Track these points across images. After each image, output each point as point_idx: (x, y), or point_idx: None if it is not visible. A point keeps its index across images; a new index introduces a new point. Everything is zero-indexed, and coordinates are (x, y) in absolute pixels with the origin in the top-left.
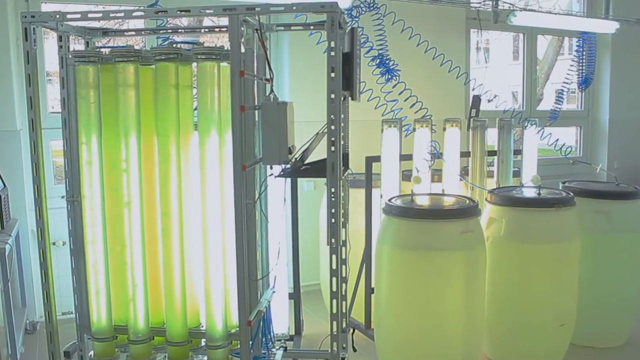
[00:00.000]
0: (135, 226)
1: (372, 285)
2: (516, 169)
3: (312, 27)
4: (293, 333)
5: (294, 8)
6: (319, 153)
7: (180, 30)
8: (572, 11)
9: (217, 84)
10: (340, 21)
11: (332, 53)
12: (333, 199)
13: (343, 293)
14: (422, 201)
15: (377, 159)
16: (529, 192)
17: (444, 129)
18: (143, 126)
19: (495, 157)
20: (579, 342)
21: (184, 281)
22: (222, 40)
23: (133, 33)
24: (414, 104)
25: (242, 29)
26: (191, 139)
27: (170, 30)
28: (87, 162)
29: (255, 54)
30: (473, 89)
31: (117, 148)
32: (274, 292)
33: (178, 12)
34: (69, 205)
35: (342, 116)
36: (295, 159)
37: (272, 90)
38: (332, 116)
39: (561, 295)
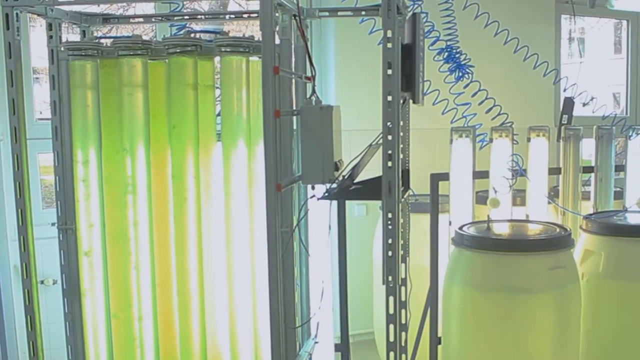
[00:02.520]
0: (144, 260)
1: (439, 335)
2: (618, 188)
3: (363, 13)
4: None
5: None
6: (373, 170)
7: (199, 17)
8: None
9: (246, 84)
10: (399, 5)
11: (389, 45)
12: (390, 227)
13: (402, 344)
14: (501, 229)
15: (445, 176)
16: (635, 218)
17: (529, 140)
18: (153, 136)
19: (592, 175)
20: None
21: (204, 329)
22: (252, 29)
23: (141, 20)
24: (490, 109)
25: (277, 14)
26: (213, 151)
27: (187, 17)
28: (83, 180)
29: (293, 46)
30: (564, 90)
31: (121, 163)
32: (316, 342)
33: None
34: (61, 235)
35: (402, 123)
36: (343, 176)
37: (314, 91)
38: (388, 123)
39: None
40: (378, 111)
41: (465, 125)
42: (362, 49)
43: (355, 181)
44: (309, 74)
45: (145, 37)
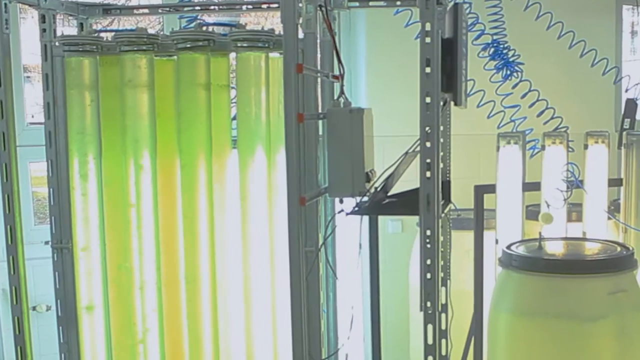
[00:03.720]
0: (150, 284)
1: None
2: None
3: (398, 3)
4: None
5: None
6: (409, 181)
7: (212, 8)
8: None
9: (265, 83)
10: None
11: (428, 39)
12: (429, 246)
13: None
14: (555, 249)
15: (491, 188)
16: None
17: (586, 147)
18: (160, 143)
19: None
20: None
21: None
22: (272, 22)
23: (146, 11)
24: (542, 112)
25: (300, 5)
26: (228, 160)
27: (198, 8)
28: (81, 193)
29: (318, 41)
30: (626, 90)
31: (123, 174)
32: None
33: None
34: (56, 255)
35: (442, 128)
36: (376, 188)
37: (342, 92)
38: (427, 128)
39: None
40: (415, 114)
41: (514, 130)
42: (397, 44)
43: (389, 194)
44: (336, 72)
45: (151, 31)
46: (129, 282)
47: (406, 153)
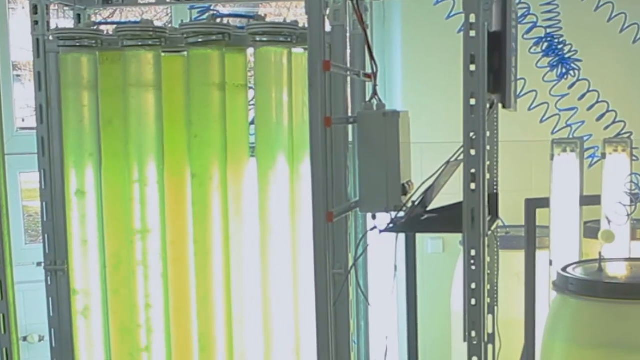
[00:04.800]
0: (157, 313)
1: None
2: None
3: None
4: None
5: None
6: (451, 194)
7: None
8: None
9: (287, 83)
10: None
11: (472, 33)
12: (474, 268)
13: None
14: (617, 271)
15: (545, 202)
16: None
17: None
18: (168, 150)
19: None
20: None
21: None
22: (295, 13)
23: (152, 1)
24: (602, 115)
25: None
26: (245, 170)
27: None
28: (78, 207)
29: (348, 35)
30: None
31: (126, 184)
32: None
33: None
34: (49, 278)
35: (488, 134)
36: (413, 202)
37: (375, 93)
38: (471, 134)
39: None
40: (457, 118)
41: (571, 136)
42: (437, 38)
43: (429, 209)
44: (368, 70)
45: (157, 23)
46: (132, 308)
47: (448, 162)
